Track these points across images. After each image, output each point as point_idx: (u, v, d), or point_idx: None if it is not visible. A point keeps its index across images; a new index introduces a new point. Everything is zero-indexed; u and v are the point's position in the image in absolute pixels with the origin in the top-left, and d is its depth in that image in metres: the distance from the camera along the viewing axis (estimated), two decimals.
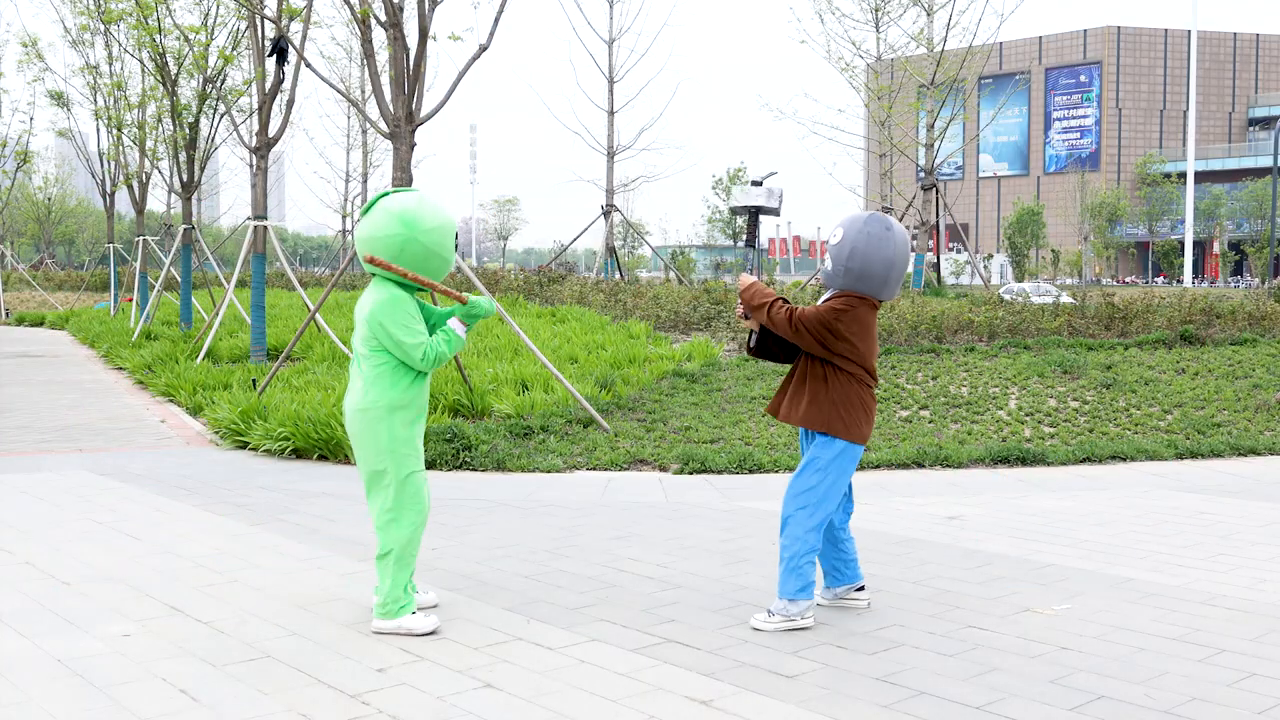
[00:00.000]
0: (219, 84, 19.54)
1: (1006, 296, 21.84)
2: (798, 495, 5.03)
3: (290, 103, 15.65)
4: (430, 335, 5.03)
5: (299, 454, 9.76)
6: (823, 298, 5.19)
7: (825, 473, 5.01)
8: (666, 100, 38.32)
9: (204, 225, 59.78)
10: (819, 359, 5.03)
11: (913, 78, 27.14)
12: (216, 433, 10.94)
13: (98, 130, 26.52)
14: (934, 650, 4.73)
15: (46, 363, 19.02)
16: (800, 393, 5.05)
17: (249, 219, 16.25)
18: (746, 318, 5.24)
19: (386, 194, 5.03)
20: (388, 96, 10.56)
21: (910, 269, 26.08)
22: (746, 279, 5.24)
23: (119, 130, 23.86)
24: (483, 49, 10.61)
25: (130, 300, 29.04)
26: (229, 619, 5.14)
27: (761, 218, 5.19)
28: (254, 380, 12.75)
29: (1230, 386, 12.00)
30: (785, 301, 5.09)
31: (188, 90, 20.31)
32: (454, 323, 5.00)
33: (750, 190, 4.71)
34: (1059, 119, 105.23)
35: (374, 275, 5.02)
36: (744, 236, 5.58)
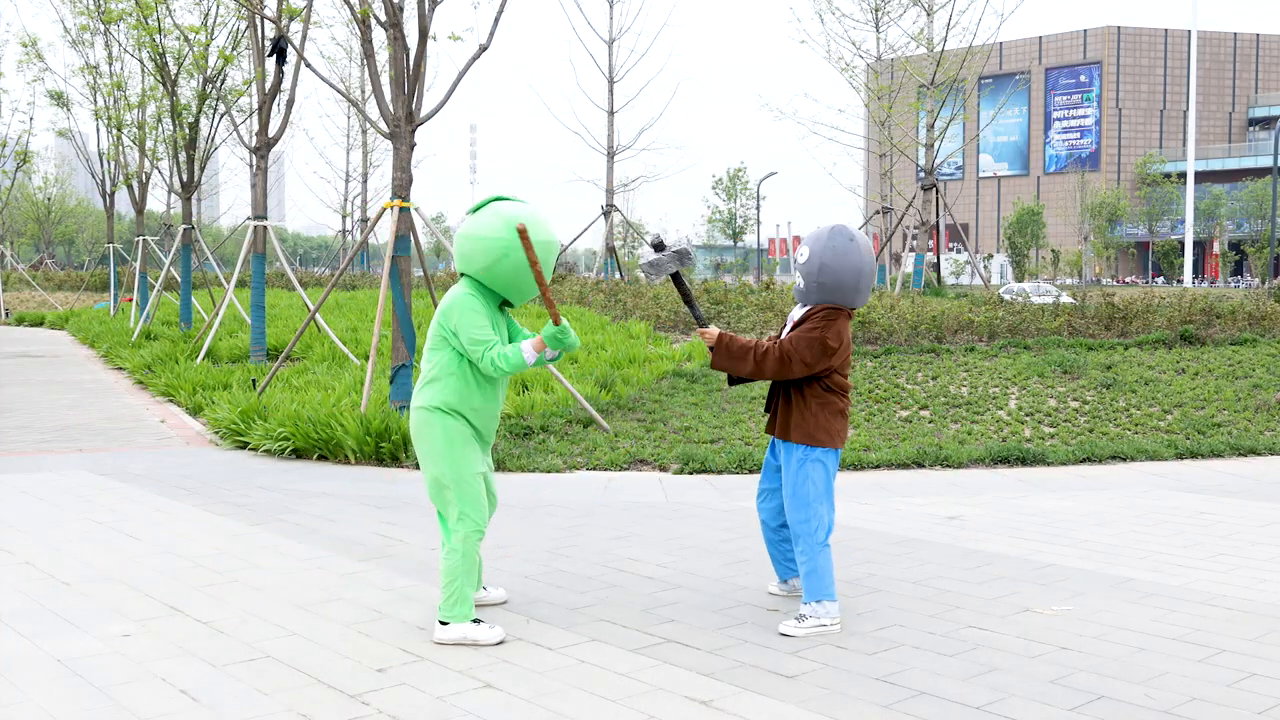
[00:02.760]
0: (219, 84, 19.55)
1: (1006, 296, 21.83)
2: (798, 508, 5.07)
3: (290, 103, 15.65)
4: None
5: (299, 454, 9.76)
6: (795, 313, 5.23)
7: (816, 480, 5.09)
8: (666, 100, 38.33)
9: (204, 225, 59.80)
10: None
11: (913, 78, 27.13)
12: (216, 433, 10.94)
13: (98, 130, 26.53)
14: (934, 650, 4.73)
15: (46, 363, 19.02)
16: (785, 409, 5.13)
17: (249, 219, 16.26)
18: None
19: (499, 198, 5.03)
20: (388, 96, 10.56)
21: (910, 269, 26.08)
22: (710, 334, 5.13)
23: (119, 130, 23.87)
24: (483, 49, 10.61)
25: (130, 300, 29.05)
26: (229, 619, 5.14)
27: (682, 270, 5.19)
28: (254, 380, 12.76)
29: (1230, 386, 12.00)
30: (758, 342, 5.09)
31: (188, 90, 20.32)
32: (527, 344, 4.91)
33: (659, 258, 4.55)
34: (1059, 119, 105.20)
35: (462, 275, 5.01)
36: (682, 298, 5.43)
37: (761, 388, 11.82)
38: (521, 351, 4.87)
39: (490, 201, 5.02)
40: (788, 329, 5.22)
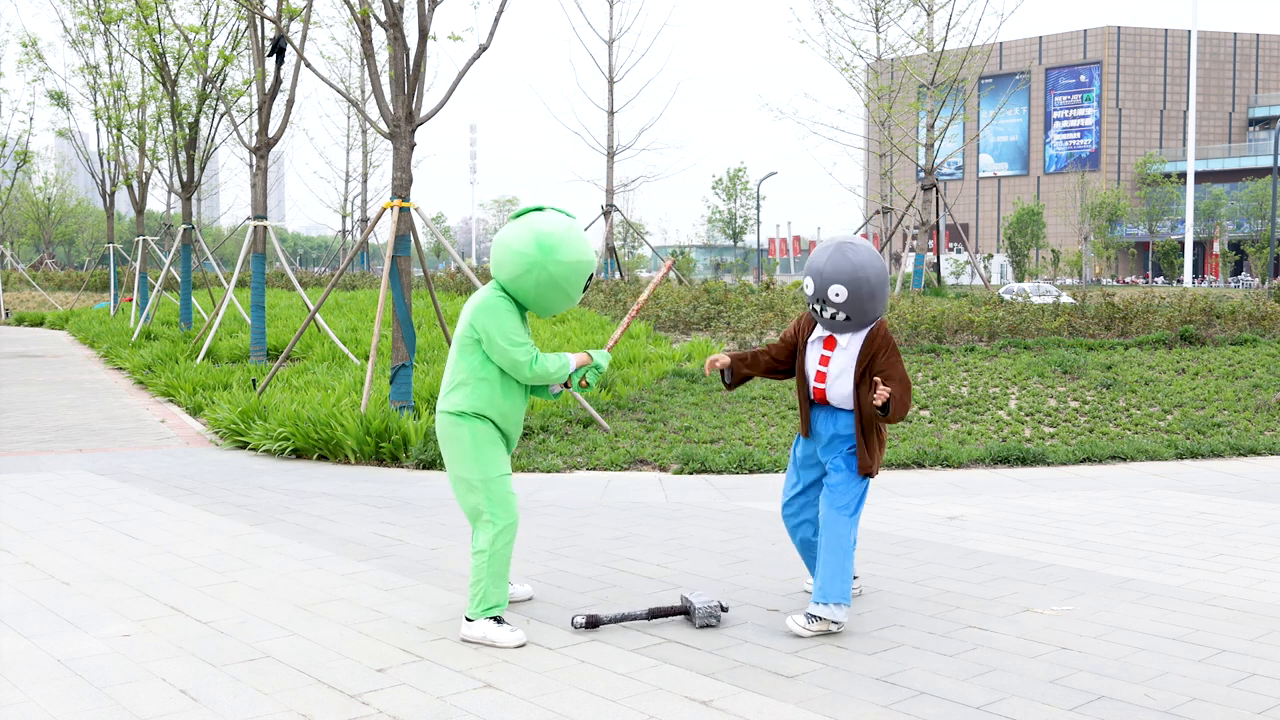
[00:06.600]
0: (219, 84, 19.55)
1: (1006, 296, 21.84)
2: (841, 521, 5.05)
3: (290, 103, 15.66)
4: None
5: (299, 454, 9.76)
6: (845, 342, 5.12)
7: (858, 488, 5.11)
8: (666, 100, 38.44)
9: (204, 225, 59.78)
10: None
11: (913, 78, 27.13)
12: (216, 433, 10.94)
13: (98, 130, 26.53)
14: (934, 650, 4.73)
15: (46, 363, 19.02)
16: (861, 441, 5.09)
17: (249, 219, 16.26)
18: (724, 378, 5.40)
19: (540, 208, 4.98)
20: (388, 96, 10.56)
21: (910, 269, 26.09)
22: (882, 393, 4.92)
23: (119, 130, 23.87)
24: (483, 49, 10.61)
25: (130, 300, 29.05)
26: (229, 619, 5.14)
27: None
28: (254, 380, 12.76)
29: (1230, 386, 12.00)
30: (891, 389, 4.99)
31: (188, 90, 20.33)
32: (571, 357, 5.01)
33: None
34: (1059, 119, 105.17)
35: (494, 280, 5.02)
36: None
37: (764, 386, 11.82)
38: (567, 360, 4.97)
39: (528, 211, 4.96)
40: (814, 345, 5.17)
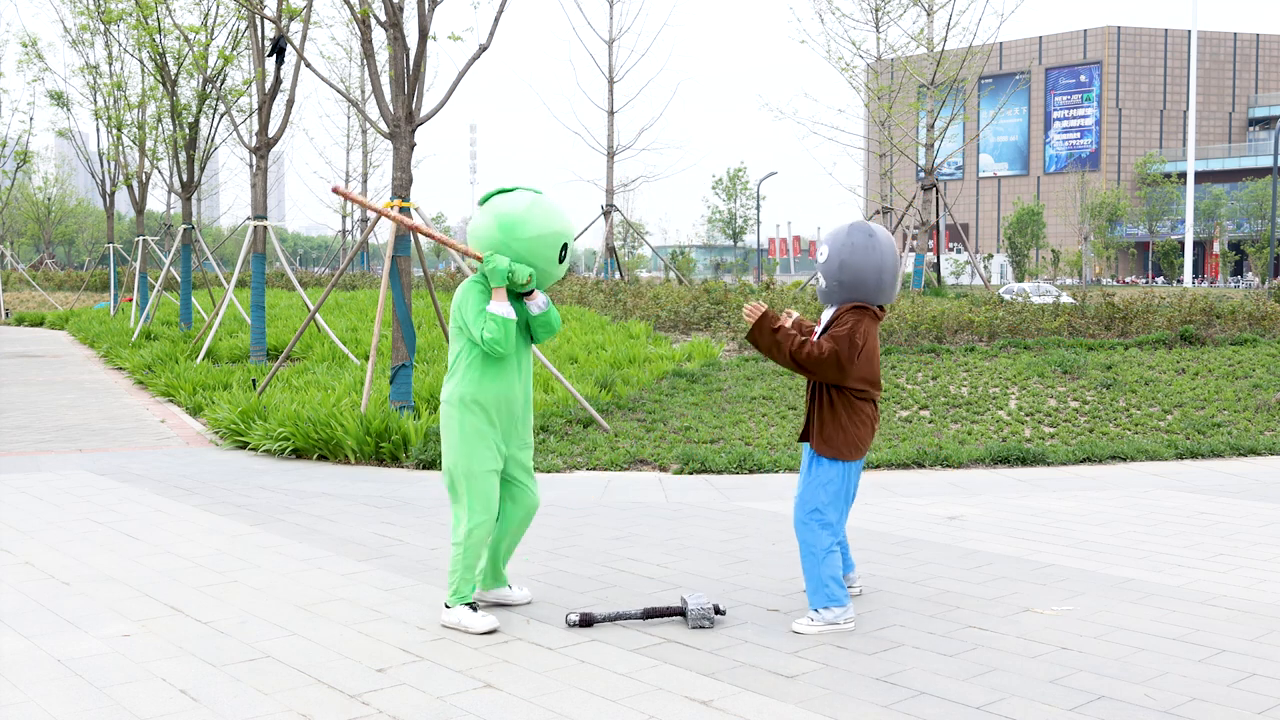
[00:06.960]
0: (219, 84, 19.55)
1: (1006, 296, 21.83)
2: (805, 511, 5.08)
3: (290, 103, 15.66)
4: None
5: (299, 454, 9.76)
6: (824, 316, 5.23)
7: (831, 488, 5.09)
8: (666, 100, 38.46)
9: (204, 225, 59.79)
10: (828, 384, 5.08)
11: (913, 78, 27.13)
12: (216, 433, 10.94)
13: (98, 130, 26.54)
14: (934, 650, 4.73)
15: (46, 363, 19.02)
16: (819, 418, 5.10)
17: (249, 219, 16.27)
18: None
19: (504, 190, 5.01)
20: (388, 96, 10.56)
21: (910, 269, 26.08)
22: (756, 309, 5.11)
23: (119, 130, 23.88)
24: (483, 49, 10.61)
25: (130, 300, 29.05)
26: (229, 619, 5.14)
27: None
28: (254, 380, 12.76)
29: (1230, 386, 12.00)
30: (795, 337, 5.06)
31: (188, 90, 20.33)
32: (494, 301, 4.95)
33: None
34: (1059, 119, 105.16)
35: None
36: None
37: (764, 386, 11.82)
38: (495, 312, 4.91)
39: (492, 195, 5.03)
40: (819, 331, 5.21)
